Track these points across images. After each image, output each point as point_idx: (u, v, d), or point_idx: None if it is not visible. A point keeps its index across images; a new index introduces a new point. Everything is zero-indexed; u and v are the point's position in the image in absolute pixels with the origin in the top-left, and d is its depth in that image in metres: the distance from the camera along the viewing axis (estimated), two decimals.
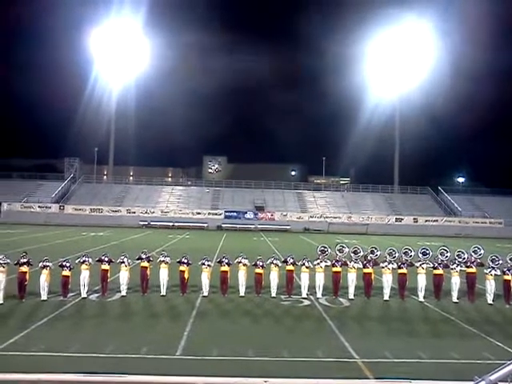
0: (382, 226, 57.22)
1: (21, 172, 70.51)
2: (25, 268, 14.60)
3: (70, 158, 68.08)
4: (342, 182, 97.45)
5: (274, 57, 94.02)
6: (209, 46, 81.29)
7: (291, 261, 16.37)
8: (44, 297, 14.49)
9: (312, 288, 16.10)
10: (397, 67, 65.23)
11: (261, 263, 16.09)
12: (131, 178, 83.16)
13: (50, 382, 3.92)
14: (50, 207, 56.49)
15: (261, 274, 16.04)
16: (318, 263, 16.17)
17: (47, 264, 14.77)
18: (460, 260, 16.74)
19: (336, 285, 16.22)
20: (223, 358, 9.82)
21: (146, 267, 15.96)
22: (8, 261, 14.48)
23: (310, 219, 58.66)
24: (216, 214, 57.93)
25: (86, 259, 15.37)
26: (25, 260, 14.71)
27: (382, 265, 16.39)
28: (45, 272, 14.64)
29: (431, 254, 17.02)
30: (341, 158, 77.79)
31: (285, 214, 58.92)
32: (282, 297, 15.87)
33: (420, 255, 16.90)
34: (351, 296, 15.97)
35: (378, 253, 17.28)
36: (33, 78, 71.66)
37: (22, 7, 72.65)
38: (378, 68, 66.16)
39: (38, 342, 10.42)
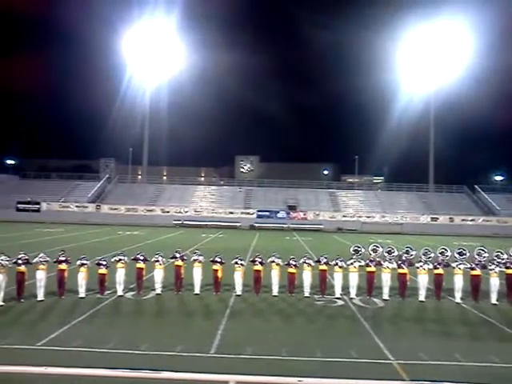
0: (416, 225, 56.20)
1: (59, 172, 72.43)
2: (63, 266, 15.00)
3: (105, 159, 69.54)
4: (375, 181, 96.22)
5: (303, 55, 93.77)
6: (242, 46, 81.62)
7: (324, 260, 16.29)
8: (82, 294, 14.86)
9: (345, 288, 15.97)
10: (431, 63, 63.90)
11: (294, 263, 16.06)
12: (165, 177, 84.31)
13: (88, 376, 4.03)
14: (86, 207, 57.77)
15: (294, 273, 16.02)
16: (352, 263, 16.02)
17: (85, 262, 15.14)
18: (499, 261, 16.29)
19: (370, 285, 16.04)
20: (257, 357, 9.86)
21: (180, 266, 16.16)
22: (48, 259, 14.92)
23: (343, 218, 58.15)
24: (248, 214, 58.09)
25: (122, 258, 15.68)
26: (63, 258, 15.12)
27: (417, 265, 16.12)
28: (82, 270, 15.01)
29: (468, 254, 16.64)
30: (374, 156, 76.70)
31: (317, 213, 58.57)
32: (316, 296, 15.80)
33: (456, 255, 16.55)
34: (386, 296, 15.76)
35: (413, 253, 17.02)
36: (69, 81, 73.54)
37: (59, 9, 74.56)
38: (411, 64, 64.95)
39: (77, 338, 10.69)
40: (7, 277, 13.89)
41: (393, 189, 68.19)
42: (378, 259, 16.48)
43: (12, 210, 54.56)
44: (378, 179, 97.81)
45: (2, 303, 13.60)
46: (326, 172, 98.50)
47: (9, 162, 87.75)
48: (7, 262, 14.03)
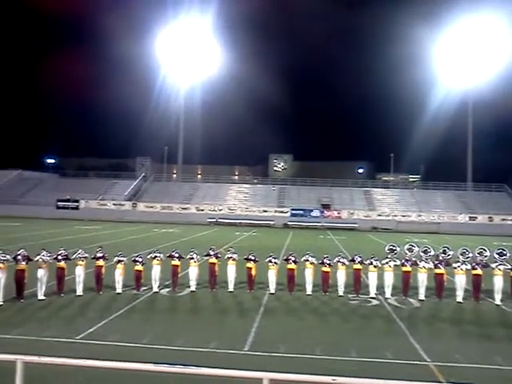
0: (454, 224, 54.92)
1: (97, 171, 74.19)
2: (101, 262, 15.36)
3: (141, 158, 70.86)
4: (411, 180, 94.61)
5: (337, 53, 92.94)
6: (275, 46, 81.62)
7: (359, 259, 16.13)
8: (119, 290, 15.18)
9: (380, 288, 15.78)
10: (469, 59, 62.30)
11: (328, 261, 15.97)
12: (199, 176, 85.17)
13: (125, 369, 4.12)
14: (123, 204, 58.91)
15: (328, 272, 15.93)
16: (387, 262, 15.81)
17: (121, 259, 15.47)
18: None
19: (406, 285, 15.79)
20: (291, 355, 9.86)
21: (215, 263, 16.31)
22: (86, 255, 15.31)
23: (378, 217, 57.38)
24: (282, 212, 58.04)
25: (158, 255, 15.93)
26: (101, 255, 15.49)
27: (454, 265, 15.77)
28: (119, 266, 15.34)
29: (508, 254, 16.16)
30: (410, 154, 75.43)
31: (352, 212, 57.98)
32: (350, 296, 15.67)
33: (496, 256, 16.09)
34: (422, 297, 15.48)
35: (451, 253, 16.66)
36: (107, 82, 75.06)
37: (96, 10, 76.24)
38: (449, 60, 63.51)
39: (114, 333, 10.95)
40: (48, 272, 14.32)
41: (429, 187, 66.86)
42: (413, 259, 16.21)
43: (52, 208, 56.18)
44: (414, 177, 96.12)
45: (44, 297, 14.04)
46: (360, 170, 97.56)
47: (49, 161, 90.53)
48: (48, 258, 14.48)
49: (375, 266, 15.74)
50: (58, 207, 56.88)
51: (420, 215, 57.80)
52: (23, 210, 54.31)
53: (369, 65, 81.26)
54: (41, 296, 14.06)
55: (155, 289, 15.55)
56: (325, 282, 15.97)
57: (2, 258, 13.63)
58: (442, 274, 15.76)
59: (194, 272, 16.00)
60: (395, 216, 57.52)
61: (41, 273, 14.10)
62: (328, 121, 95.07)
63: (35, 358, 4.35)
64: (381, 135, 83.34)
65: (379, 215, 58.05)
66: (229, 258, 16.23)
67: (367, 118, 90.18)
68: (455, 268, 15.68)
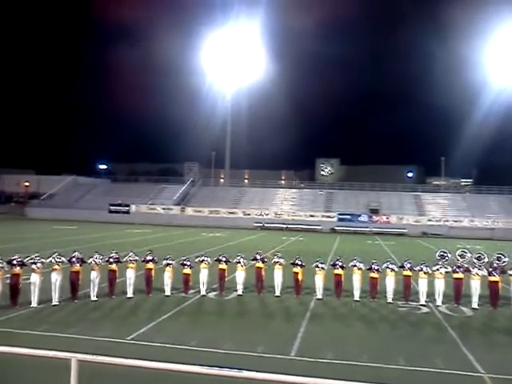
0: (509, 230, 52.68)
1: (147, 176, 76.05)
2: (151, 265, 15.73)
3: (189, 163, 71.94)
4: (462, 184, 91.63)
5: (384, 56, 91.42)
6: (321, 50, 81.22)
7: (408, 266, 15.77)
8: (168, 292, 15.48)
9: (431, 295, 15.36)
10: None
11: (376, 267, 15.71)
12: (246, 180, 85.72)
13: (172, 371, 4.21)
14: (172, 209, 60.02)
15: (376, 278, 15.66)
16: (438, 269, 15.37)
17: (170, 262, 15.77)
18: None
19: (457, 292, 15.30)
20: (337, 362, 9.76)
21: (261, 268, 16.35)
22: (136, 258, 15.72)
23: (429, 223, 55.85)
24: (329, 217, 57.49)
25: (205, 258, 16.14)
26: (150, 258, 15.85)
27: (509, 273, 15.15)
28: (168, 269, 15.65)
29: None
30: (461, 157, 73.10)
31: (401, 217, 56.71)
32: (399, 303, 15.33)
33: None
34: (475, 305, 14.95)
35: (506, 260, 16.01)
36: (154, 89, 76.84)
37: (143, 16, 78.24)
38: (500, 61, 61.24)
39: (163, 334, 11.19)
40: (100, 274, 14.80)
41: (482, 191, 64.54)
42: (466, 265, 15.69)
43: (105, 212, 57.98)
44: (466, 181, 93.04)
45: (96, 298, 14.52)
46: (410, 174, 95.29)
47: (101, 166, 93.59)
48: (100, 261, 14.97)
49: (425, 273, 15.34)
50: (110, 211, 58.60)
51: (472, 220, 55.82)
52: (78, 213, 56.37)
53: (418, 66, 79.52)
54: (93, 297, 14.55)
55: (203, 292, 15.75)
56: (373, 288, 15.71)
57: (58, 260, 14.20)
58: (497, 282, 15.16)
59: (240, 276, 16.10)
60: (446, 221, 55.82)
61: (93, 275, 14.59)
62: (376, 124, 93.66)
63: (89, 357, 4.51)
64: (431, 138, 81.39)
65: (429, 220, 56.48)
66: (275, 262, 16.25)
67: (416, 121, 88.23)
68: (511, 276, 15.06)
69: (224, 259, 16.30)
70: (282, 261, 16.25)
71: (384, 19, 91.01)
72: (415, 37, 78.79)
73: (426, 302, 15.22)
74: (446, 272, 15.36)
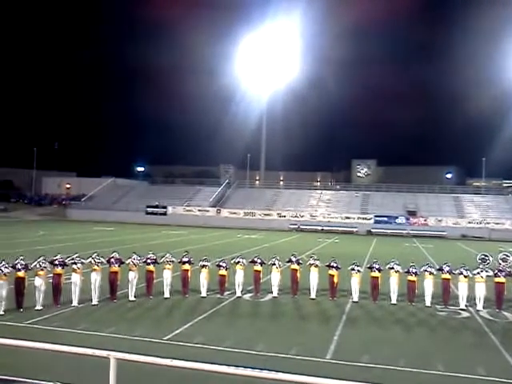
0: None
1: (183, 178, 77.07)
2: (187, 266, 15.91)
3: (225, 165, 72.59)
4: (505, 185, 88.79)
5: (420, 52, 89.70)
6: (358, 52, 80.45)
7: (447, 269, 15.41)
8: (203, 293, 15.63)
9: (471, 299, 14.96)
10: None
11: (414, 270, 15.42)
12: (281, 182, 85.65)
13: (207, 371, 4.26)
14: (208, 210, 60.55)
15: (414, 281, 15.37)
16: (478, 273, 14.96)
17: (206, 263, 15.92)
18: None
19: (499, 297, 14.84)
20: (374, 366, 9.62)
21: (296, 270, 16.30)
22: (173, 259, 15.93)
23: (469, 225, 54.37)
24: (365, 219, 56.76)
25: (241, 260, 16.21)
26: (187, 259, 16.04)
27: None
28: (204, 270, 15.79)
29: None
30: (503, 157, 70.82)
31: (440, 219, 55.43)
32: (438, 307, 15.00)
33: None
34: None
35: None
36: (191, 92, 77.69)
37: (179, 18, 79.29)
38: None
39: (198, 335, 11.30)
40: (138, 274, 15.08)
41: None
42: (508, 269, 15.21)
43: (142, 214, 59.03)
44: (509, 182, 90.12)
45: (134, 298, 14.80)
46: (449, 175, 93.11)
47: (139, 169, 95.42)
48: (138, 261, 15.26)
49: (465, 276, 14.96)
50: (147, 213, 59.59)
51: None
52: (116, 215, 57.58)
53: (458, 65, 77.58)
54: (131, 297, 14.84)
55: (238, 293, 15.82)
56: (411, 292, 15.42)
57: (98, 261, 14.55)
58: None
59: (276, 278, 16.09)
60: (487, 224, 54.20)
61: (131, 275, 14.89)
62: (414, 124, 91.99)
63: (128, 355, 4.61)
64: (471, 138, 79.32)
65: (469, 223, 54.98)
66: (311, 264, 16.17)
67: (456, 120, 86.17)
68: None
69: (259, 261, 16.33)
70: (317, 263, 16.15)
71: (425, 17, 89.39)
72: (458, 35, 77.01)
73: (466, 306, 14.84)
74: (488, 276, 14.94)
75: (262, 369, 4.31)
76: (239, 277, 15.84)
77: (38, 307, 13.25)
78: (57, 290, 13.87)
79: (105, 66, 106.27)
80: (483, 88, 69.06)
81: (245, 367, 4.35)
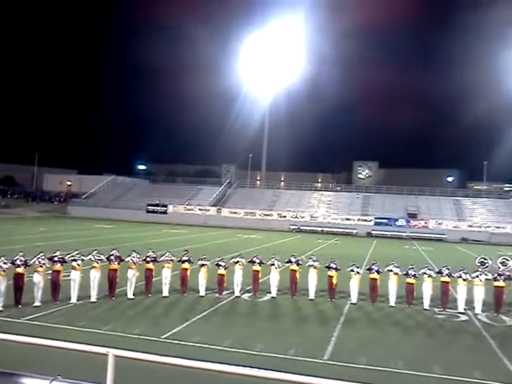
0: None
1: (184, 177, 77.05)
2: (186, 265, 15.92)
3: (226, 165, 72.36)
4: (506, 189, 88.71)
5: (421, 55, 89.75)
6: (360, 53, 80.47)
7: (447, 272, 15.41)
8: (202, 293, 15.63)
9: (470, 302, 14.96)
10: None
11: (413, 273, 15.42)
12: (282, 183, 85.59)
13: (204, 369, 4.26)
14: (208, 210, 60.52)
15: (413, 284, 15.37)
16: (477, 276, 14.96)
17: (205, 263, 15.92)
18: None
19: (498, 301, 14.84)
20: (371, 367, 9.62)
21: (296, 270, 16.30)
22: (173, 258, 15.95)
23: (469, 228, 54.34)
24: (366, 221, 56.73)
25: (240, 260, 16.22)
26: (186, 258, 16.05)
27: None
28: (203, 270, 15.80)
29: None
30: (505, 162, 70.72)
31: (440, 222, 55.40)
32: (436, 310, 15.00)
33: None
34: None
35: None
36: (193, 91, 77.71)
37: (181, 18, 79.29)
38: None
39: (196, 334, 11.31)
40: (137, 273, 15.09)
41: None
42: (507, 273, 15.20)
43: (143, 212, 59.01)
44: (510, 187, 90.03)
45: (133, 296, 14.81)
46: (450, 178, 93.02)
47: (140, 167, 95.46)
48: (138, 260, 15.27)
49: (464, 280, 14.96)
50: (148, 211, 59.57)
51: None
52: (116, 213, 57.55)
53: (460, 68, 77.53)
54: (130, 295, 14.85)
55: (237, 293, 15.83)
56: (409, 294, 15.42)
57: (97, 258, 14.57)
58: None
59: (274, 278, 16.10)
60: (488, 227, 54.16)
61: (130, 273, 14.90)
62: (416, 126, 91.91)
63: (126, 352, 4.61)
64: (473, 141, 79.25)
65: (470, 226, 54.95)
66: (310, 265, 16.17)
67: (458, 123, 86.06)
68: None
69: (258, 261, 16.34)
70: (316, 264, 16.16)
71: (428, 20, 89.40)
72: (460, 38, 76.87)
73: (464, 309, 14.84)
74: (487, 279, 14.94)
75: (260, 368, 4.31)
76: (238, 276, 15.85)
77: (37, 304, 13.27)
78: (55, 286, 13.88)
79: (108, 63, 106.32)
80: (486, 91, 68.99)
81: (243, 366, 4.35)
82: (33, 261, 13.64)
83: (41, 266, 13.62)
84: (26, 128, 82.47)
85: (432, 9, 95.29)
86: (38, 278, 13.43)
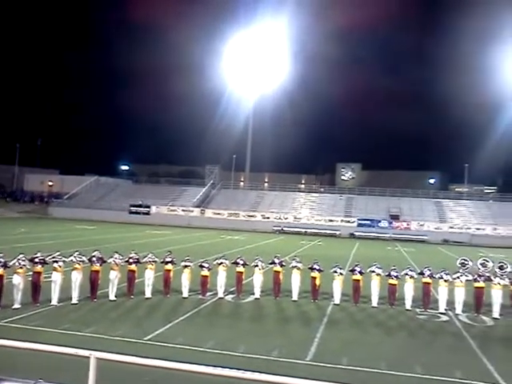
0: None
1: (167, 178, 76.69)
2: (169, 266, 15.84)
3: (210, 166, 72.23)
4: (486, 191, 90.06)
5: (407, 58, 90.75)
6: (343, 54, 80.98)
7: (428, 273, 15.58)
8: (185, 294, 15.56)
9: (451, 303, 15.14)
10: None
11: (395, 274, 15.56)
12: (266, 184, 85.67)
13: (186, 371, 4.25)
14: (192, 211, 60.30)
15: (395, 284, 15.51)
16: (458, 277, 15.16)
17: (188, 264, 15.85)
18: None
19: (478, 301, 15.05)
20: (354, 368, 9.68)
21: (279, 272, 16.32)
22: (156, 259, 15.84)
23: (450, 230, 55.04)
24: (349, 222, 57.10)
25: (224, 261, 16.18)
26: (169, 259, 15.96)
27: None
28: (186, 271, 15.73)
29: None
30: (486, 164, 71.82)
31: (422, 223, 56.02)
32: (418, 310, 15.15)
33: None
34: (496, 315, 14.68)
35: None
36: (176, 92, 77.33)
37: (166, 18, 78.99)
38: None
39: (179, 336, 11.25)
40: (120, 274, 14.95)
41: (507, 199, 63.34)
42: (487, 274, 15.43)
43: (125, 213, 58.55)
44: (490, 189, 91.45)
45: (115, 298, 14.68)
46: (431, 180, 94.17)
47: (123, 167, 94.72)
48: (120, 261, 15.13)
49: (446, 281, 15.14)
50: (131, 212, 59.13)
51: (496, 229, 54.84)
52: (99, 213, 56.99)
53: (443, 70, 78.48)
54: (112, 297, 14.71)
55: (220, 294, 15.79)
56: (391, 295, 15.56)
57: (79, 260, 14.40)
58: None
59: (258, 279, 16.11)
60: (468, 229, 54.95)
61: (113, 275, 14.76)
62: (399, 129, 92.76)
63: (108, 355, 4.56)
64: (455, 144, 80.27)
65: (451, 227, 55.67)
66: (293, 266, 16.21)
67: (441, 126, 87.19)
68: None
69: (242, 262, 16.32)
70: (299, 265, 16.21)
71: (411, 21, 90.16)
72: (442, 40, 77.78)
73: (445, 310, 15.02)
74: (467, 280, 15.14)
75: (243, 369, 4.30)
76: (221, 278, 15.81)
77: (16, 306, 13.06)
78: (36, 288, 13.68)
79: (90, 63, 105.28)
80: (468, 95, 69.93)
81: (226, 367, 4.34)
82: (12, 262, 13.43)
83: (21, 268, 13.41)
84: (6, 127, 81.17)
85: (418, 10, 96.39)
86: (17, 280, 13.22)
